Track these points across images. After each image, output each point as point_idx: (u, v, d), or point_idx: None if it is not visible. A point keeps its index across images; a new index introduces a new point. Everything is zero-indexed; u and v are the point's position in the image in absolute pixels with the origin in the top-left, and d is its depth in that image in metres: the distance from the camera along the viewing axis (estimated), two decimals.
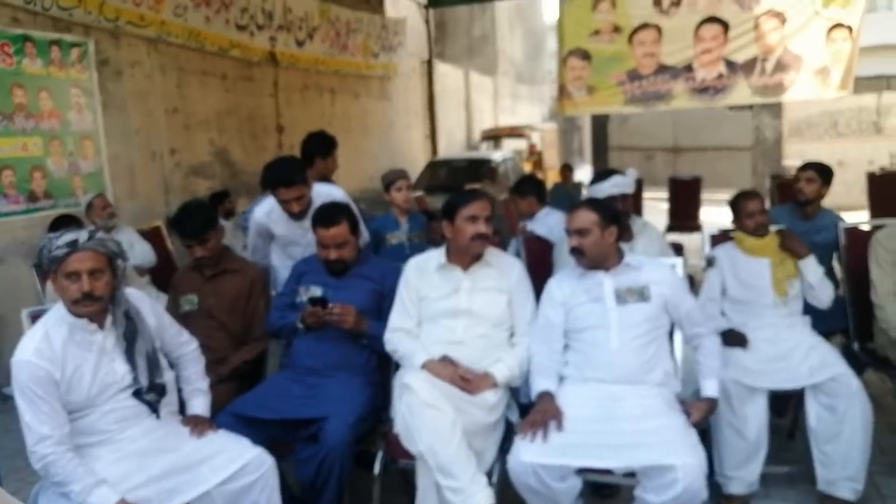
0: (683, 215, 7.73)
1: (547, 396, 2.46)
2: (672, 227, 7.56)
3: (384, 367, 2.88)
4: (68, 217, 4.31)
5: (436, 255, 2.79)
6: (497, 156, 10.49)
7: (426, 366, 2.54)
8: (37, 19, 5.03)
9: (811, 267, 3.09)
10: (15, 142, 4.87)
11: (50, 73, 5.14)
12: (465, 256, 2.71)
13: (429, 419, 2.31)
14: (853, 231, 3.54)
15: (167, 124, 6.46)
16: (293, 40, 8.34)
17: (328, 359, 2.77)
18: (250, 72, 7.69)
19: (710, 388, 2.57)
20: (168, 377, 2.38)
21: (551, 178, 11.22)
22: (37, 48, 5.01)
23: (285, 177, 3.15)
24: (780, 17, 7.70)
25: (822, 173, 3.81)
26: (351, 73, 9.81)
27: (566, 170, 9.23)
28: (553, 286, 2.72)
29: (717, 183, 12.16)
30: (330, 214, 2.86)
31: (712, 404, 2.55)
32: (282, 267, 3.38)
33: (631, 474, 2.24)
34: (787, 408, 3.51)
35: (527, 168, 11.41)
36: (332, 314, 2.69)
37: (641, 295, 2.58)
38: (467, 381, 2.50)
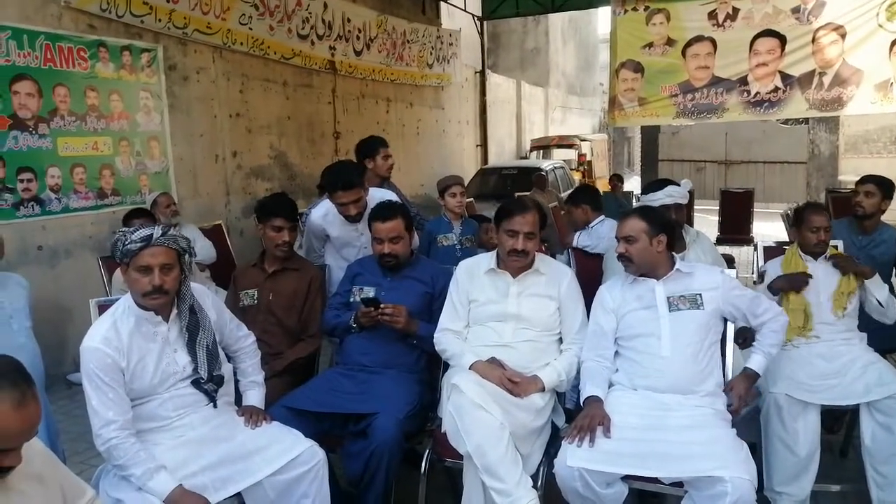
0: (734, 228, 7.63)
1: (595, 401, 2.46)
2: (722, 240, 7.46)
3: (433, 367, 2.93)
4: (141, 210, 4.51)
5: (486, 260, 2.82)
6: (546, 165, 10.47)
7: (474, 367, 2.57)
8: (111, 26, 5.29)
9: (877, 284, 3.03)
10: (86, 141, 5.12)
11: (121, 76, 5.40)
12: (510, 265, 2.74)
13: (477, 420, 2.33)
14: None
15: (230, 128, 6.70)
16: (352, 50, 8.52)
17: (379, 356, 2.84)
18: (310, 79, 7.90)
19: (753, 363, 2.56)
20: (226, 369, 2.45)
21: (601, 187, 11.13)
22: (109, 53, 5.27)
23: (345, 180, 3.25)
24: (840, 31, 7.56)
25: (883, 186, 3.72)
26: (406, 82, 9.96)
27: (615, 180, 9.20)
28: (605, 293, 2.72)
29: (769, 197, 11.93)
30: (387, 209, 2.97)
31: (752, 378, 2.54)
32: (336, 267, 3.47)
33: (678, 484, 2.23)
34: (838, 424, 3.43)
35: (576, 177, 11.36)
36: (385, 314, 2.76)
37: (694, 302, 2.56)
38: (515, 383, 2.52)
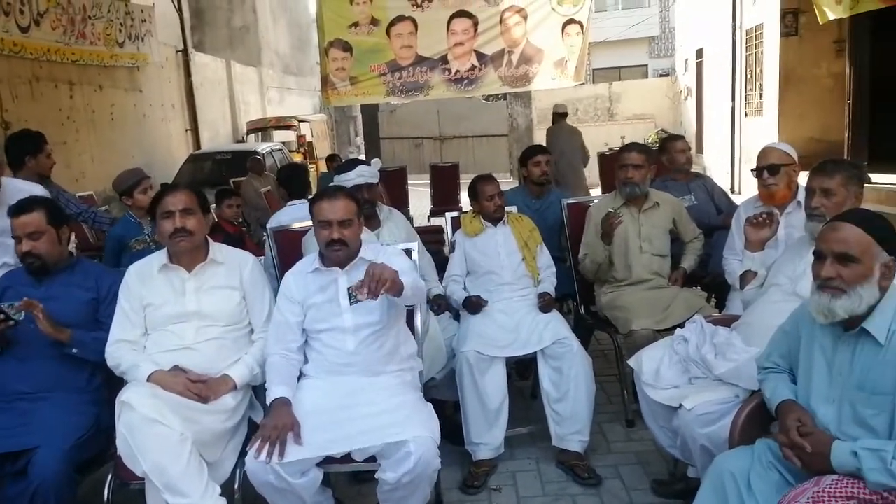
0: (444, 199, 8.14)
1: (282, 405, 2.33)
2: (435, 211, 7.93)
3: (115, 383, 2.61)
4: None
5: (158, 257, 2.59)
6: (263, 147, 10.14)
7: (153, 378, 2.35)
8: None
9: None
10: None
11: None
12: (184, 256, 2.53)
13: (152, 436, 2.14)
14: (574, 206, 3.90)
15: None
16: (14, 26, 7.33)
17: (39, 380, 2.48)
18: None
19: None
20: None
21: (322, 168, 11.14)
22: None
23: None
24: (522, 13, 8.28)
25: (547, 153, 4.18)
26: (92, 62, 8.89)
27: (330, 160, 9.28)
28: (290, 282, 2.58)
29: (479, 168, 13.02)
30: (24, 203, 2.61)
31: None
32: None
33: (372, 459, 2.25)
34: (529, 371, 3.80)
35: (297, 158, 11.18)
36: (9, 325, 2.40)
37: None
38: (201, 388, 2.34)
